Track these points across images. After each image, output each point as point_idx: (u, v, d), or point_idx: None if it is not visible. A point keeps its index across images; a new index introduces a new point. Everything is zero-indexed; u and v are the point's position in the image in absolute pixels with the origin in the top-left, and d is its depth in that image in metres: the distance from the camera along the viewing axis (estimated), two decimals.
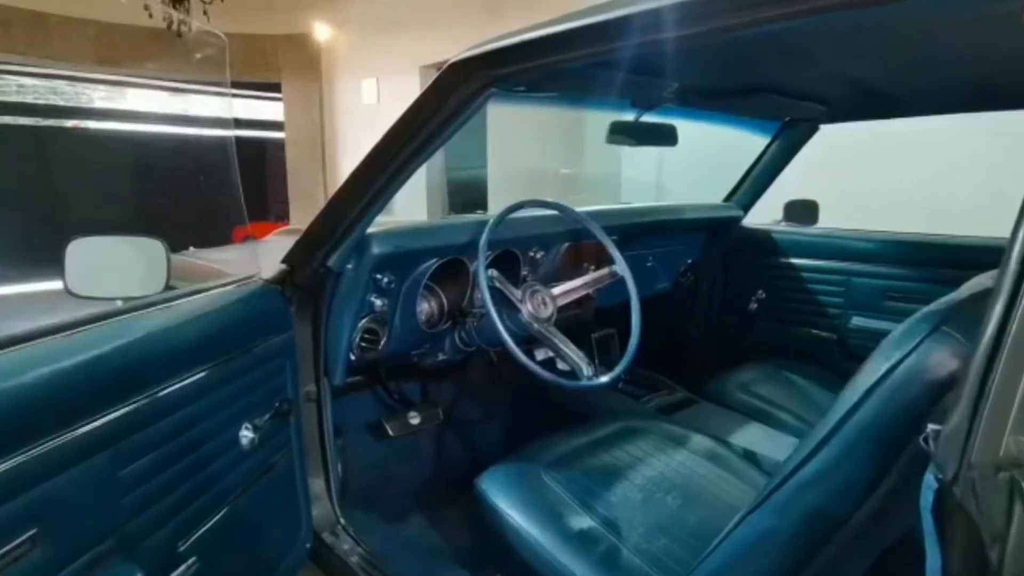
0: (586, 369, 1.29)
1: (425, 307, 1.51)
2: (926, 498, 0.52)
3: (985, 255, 1.71)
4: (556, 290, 1.44)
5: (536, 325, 1.35)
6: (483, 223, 1.44)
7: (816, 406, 1.63)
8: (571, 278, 1.69)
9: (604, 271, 1.50)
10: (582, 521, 1.10)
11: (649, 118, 1.60)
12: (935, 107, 1.58)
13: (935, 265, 1.75)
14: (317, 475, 1.36)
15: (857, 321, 1.90)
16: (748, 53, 1.15)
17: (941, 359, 0.65)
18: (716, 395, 1.75)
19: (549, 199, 1.48)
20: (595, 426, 1.42)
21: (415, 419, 1.71)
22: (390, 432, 1.67)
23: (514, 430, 1.93)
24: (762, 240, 2.13)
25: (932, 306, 0.72)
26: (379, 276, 1.35)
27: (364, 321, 1.37)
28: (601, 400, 1.78)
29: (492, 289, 1.29)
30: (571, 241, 1.68)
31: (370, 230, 1.27)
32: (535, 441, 1.35)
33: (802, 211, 2.13)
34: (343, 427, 1.53)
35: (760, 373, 1.80)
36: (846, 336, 1.93)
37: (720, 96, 1.49)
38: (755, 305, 2.13)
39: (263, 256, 1.31)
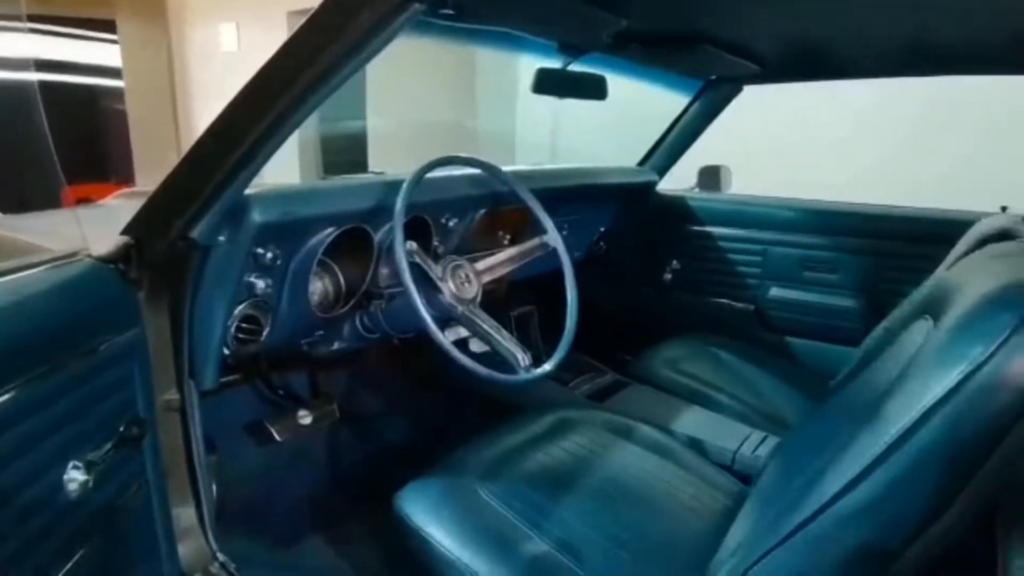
0: (523, 359, 1.10)
1: (319, 287, 1.24)
2: None
3: (903, 225, 1.74)
4: (480, 265, 1.23)
5: (460, 307, 1.13)
6: (392, 184, 1.19)
7: (748, 384, 1.56)
8: (484, 250, 1.48)
9: (535, 242, 1.30)
10: (534, 546, 0.92)
11: (576, 68, 1.41)
12: (875, 70, 1.52)
13: (853, 235, 1.73)
14: (185, 504, 1.07)
15: (775, 292, 1.86)
16: None
17: None
18: (645, 375, 1.63)
19: (464, 155, 1.25)
20: (527, 422, 1.23)
21: (306, 418, 1.44)
22: (276, 436, 1.38)
23: (425, 425, 1.71)
24: (677, 207, 2.03)
25: (997, 289, 0.59)
26: (261, 250, 1.06)
27: (242, 307, 1.08)
28: (525, 389, 1.60)
29: (412, 265, 1.05)
30: (488, 207, 1.46)
31: (249, 191, 0.98)
32: (462, 447, 1.14)
33: (715, 177, 2.05)
34: (216, 438, 1.23)
35: (686, 349, 1.71)
36: (764, 307, 1.88)
37: (657, 43, 1.33)
38: (670, 276, 2.04)
39: (97, 224, 0.98)
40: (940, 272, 1.20)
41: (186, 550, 1.05)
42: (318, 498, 1.51)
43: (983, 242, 1.15)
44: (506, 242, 1.63)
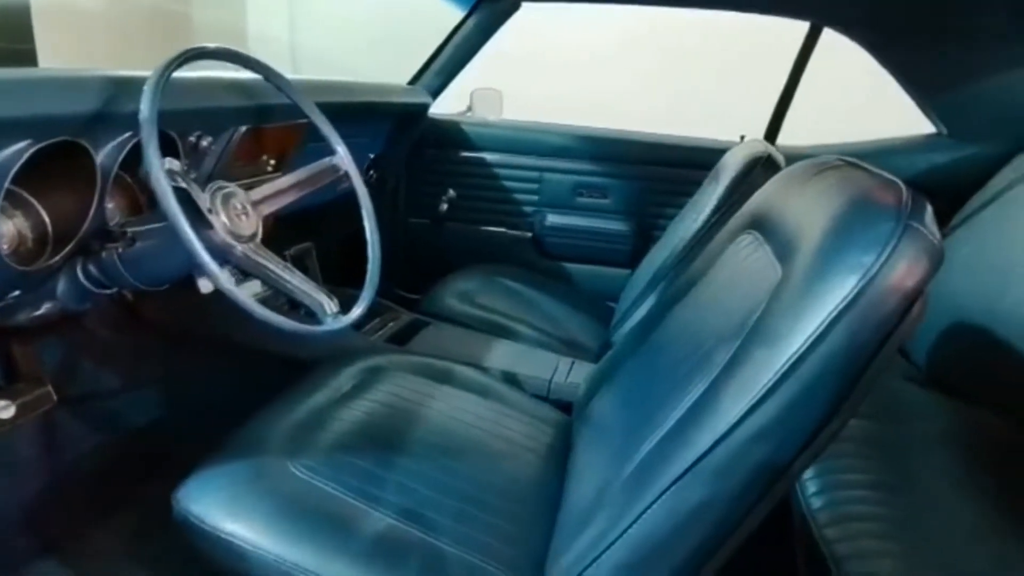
0: (329, 305, 0.92)
1: (10, 230, 0.87)
2: None
3: (665, 152, 1.86)
4: (256, 194, 0.98)
5: (239, 247, 0.89)
6: (119, 82, 0.87)
7: (540, 311, 1.56)
8: (245, 178, 1.22)
9: (324, 164, 1.08)
10: (374, 521, 0.78)
11: None
12: None
13: (622, 161, 1.81)
14: None
15: (552, 219, 1.89)
16: None
17: (914, 263, 0.54)
18: (440, 312, 1.53)
19: (232, 48, 0.96)
20: (329, 376, 1.06)
21: (6, 410, 1.05)
22: None
23: (190, 398, 1.38)
24: (451, 132, 1.92)
25: (869, 200, 0.60)
26: None
27: None
28: (314, 340, 1.37)
29: (177, 190, 0.77)
30: (251, 123, 1.18)
31: None
32: (253, 418, 0.93)
33: (488, 101, 1.99)
34: None
35: (475, 282, 1.65)
36: (541, 234, 1.90)
37: None
38: (445, 205, 1.95)
39: None
40: (716, 193, 1.30)
41: None
42: (42, 513, 1.14)
43: (752, 165, 1.27)
44: (270, 168, 1.37)
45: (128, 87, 0.86)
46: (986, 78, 1.36)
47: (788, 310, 0.58)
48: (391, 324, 1.46)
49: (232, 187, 0.94)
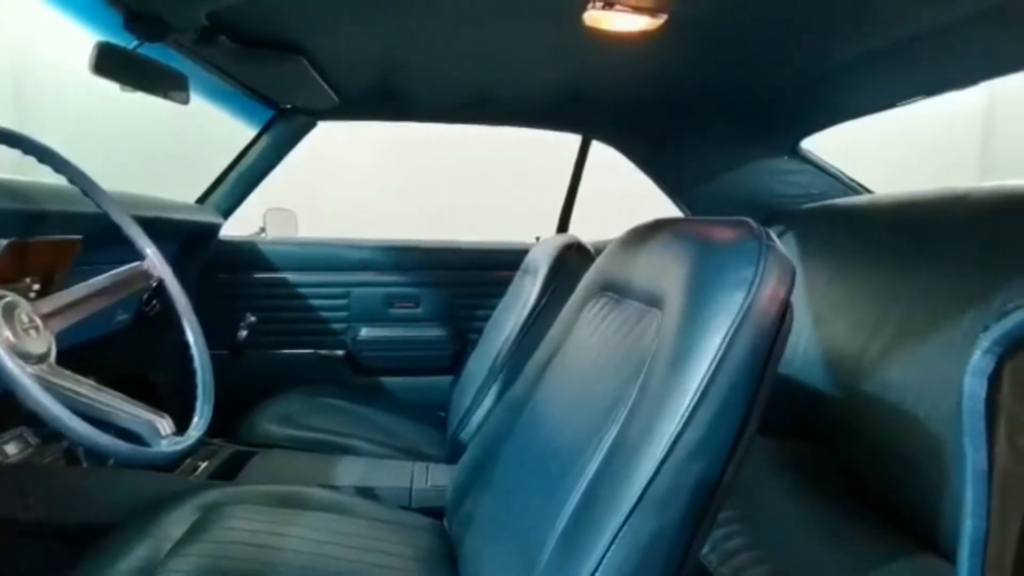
0: (163, 425, 0.76)
1: None
2: (976, 388, 0.46)
3: (471, 256, 1.91)
4: (45, 305, 0.80)
5: (29, 368, 0.71)
6: None
7: (372, 424, 1.45)
8: None
9: (133, 269, 0.93)
10: None
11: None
12: (445, 115, 1.67)
13: (430, 268, 1.85)
14: None
15: (365, 332, 1.82)
16: None
17: (782, 275, 0.62)
18: (263, 439, 1.34)
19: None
20: (149, 528, 0.84)
21: None
22: None
23: None
24: (247, 253, 1.79)
25: (719, 228, 0.69)
26: None
27: None
28: (118, 493, 1.08)
29: None
30: (16, 233, 0.98)
31: None
32: None
33: (283, 220, 1.91)
34: None
35: (294, 404, 1.49)
36: (356, 350, 1.82)
37: (250, 42, 1.17)
38: (245, 332, 1.77)
39: None
40: (536, 283, 1.38)
41: None
42: None
43: (565, 253, 1.39)
44: (32, 295, 1.13)
45: None
46: (719, 173, 1.70)
47: (685, 337, 0.63)
48: (208, 461, 1.23)
49: (12, 296, 0.76)
